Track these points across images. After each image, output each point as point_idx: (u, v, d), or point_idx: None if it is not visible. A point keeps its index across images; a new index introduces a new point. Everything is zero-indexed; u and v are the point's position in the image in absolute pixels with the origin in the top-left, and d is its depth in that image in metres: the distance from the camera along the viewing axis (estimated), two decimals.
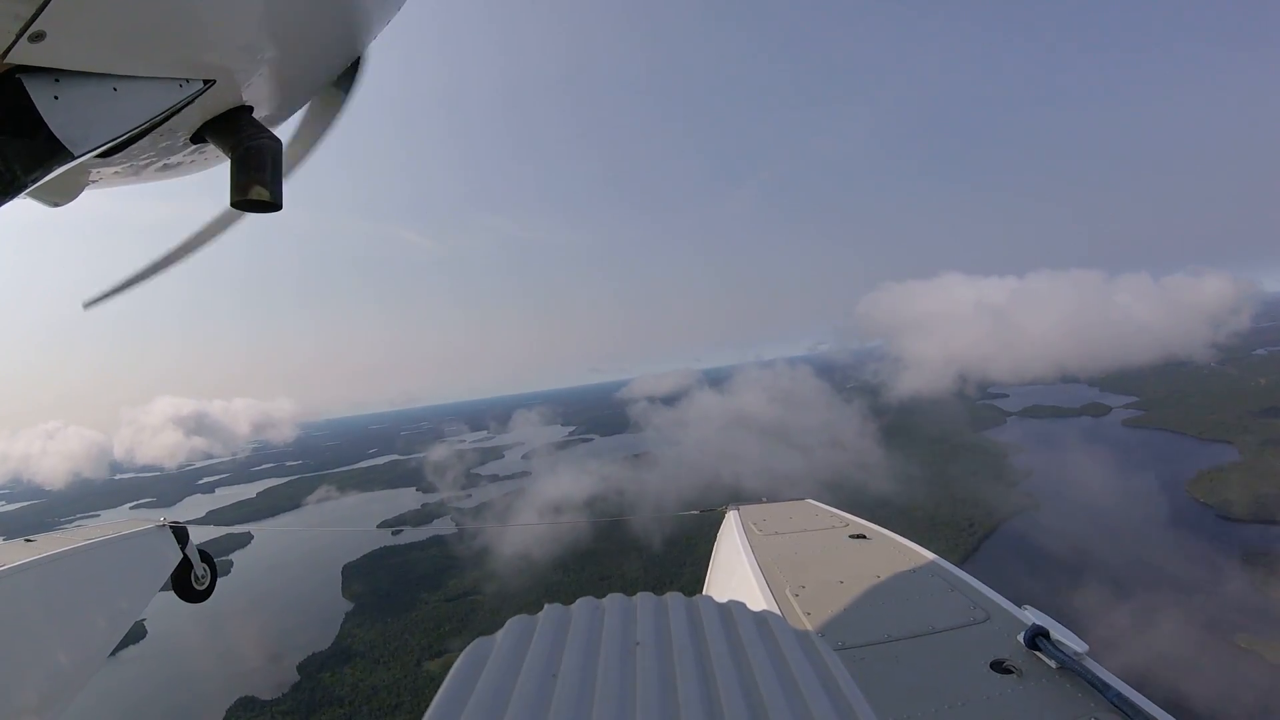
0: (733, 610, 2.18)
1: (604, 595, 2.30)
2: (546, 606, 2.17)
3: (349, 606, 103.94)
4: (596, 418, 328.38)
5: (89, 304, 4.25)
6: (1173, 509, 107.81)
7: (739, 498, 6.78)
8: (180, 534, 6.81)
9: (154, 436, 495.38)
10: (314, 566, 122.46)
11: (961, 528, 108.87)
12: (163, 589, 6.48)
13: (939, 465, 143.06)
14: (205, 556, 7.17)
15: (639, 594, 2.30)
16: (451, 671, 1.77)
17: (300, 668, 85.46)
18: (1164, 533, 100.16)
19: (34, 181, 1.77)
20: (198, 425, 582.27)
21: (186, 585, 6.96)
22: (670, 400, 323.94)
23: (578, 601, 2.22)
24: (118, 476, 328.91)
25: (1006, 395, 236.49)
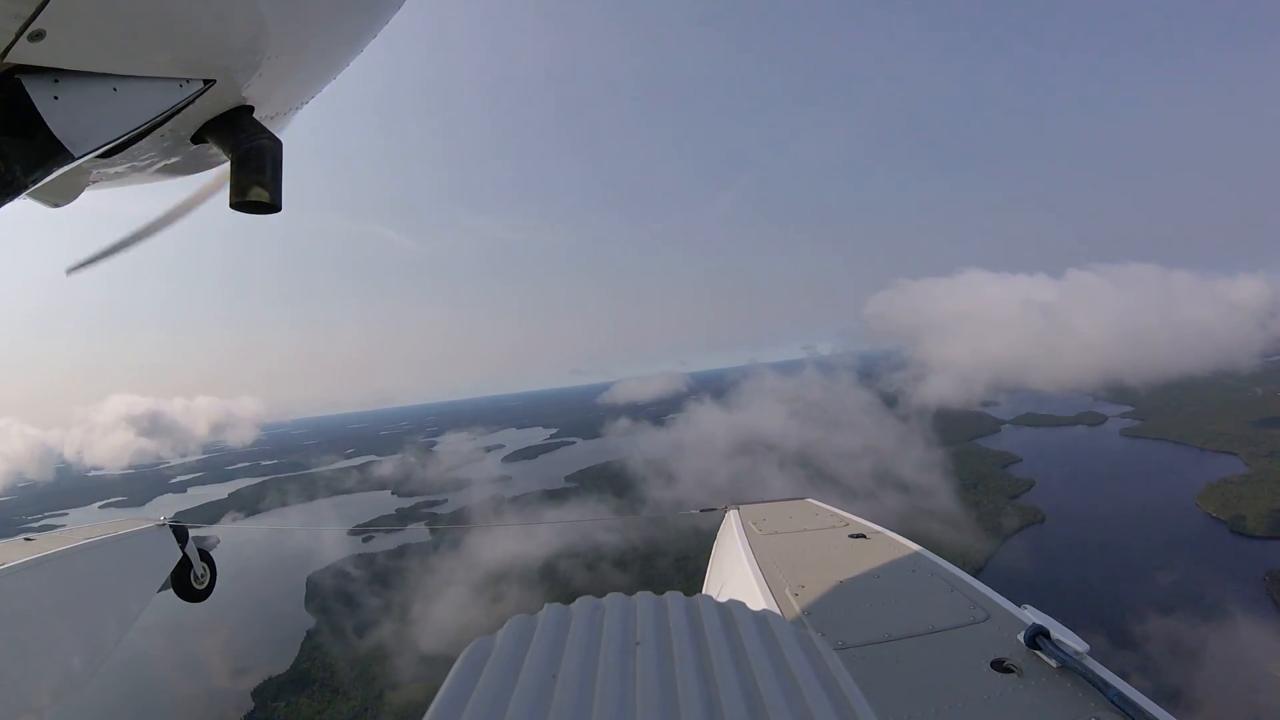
0: (732, 610, 2.19)
1: (603, 595, 2.30)
2: (546, 606, 2.18)
3: (310, 623, 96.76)
4: (579, 421, 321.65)
5: (71, 269, 4.16)
6: (1184, 524, 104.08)
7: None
8: (180, 533, 6.80)
9: (104, 437, 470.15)
10: (278, 575, 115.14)
11: (965, 543, 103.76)
12: (162, 589, 6.43)
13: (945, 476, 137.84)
14: (205, 556, 7.15)
15: (639, 593, 2.31)
16: (452, 672, 1.77)
17: (255, 693, 78.43)
18: (1178, 549, 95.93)
19: (34, 182, 1.77)
20: (152, 425, 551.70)
21: (186, 584, 6.96)
22: (659, 410, 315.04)
23: (577, 601, 2.24)
24: (91, 474, 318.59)
25: (998, 402, 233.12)
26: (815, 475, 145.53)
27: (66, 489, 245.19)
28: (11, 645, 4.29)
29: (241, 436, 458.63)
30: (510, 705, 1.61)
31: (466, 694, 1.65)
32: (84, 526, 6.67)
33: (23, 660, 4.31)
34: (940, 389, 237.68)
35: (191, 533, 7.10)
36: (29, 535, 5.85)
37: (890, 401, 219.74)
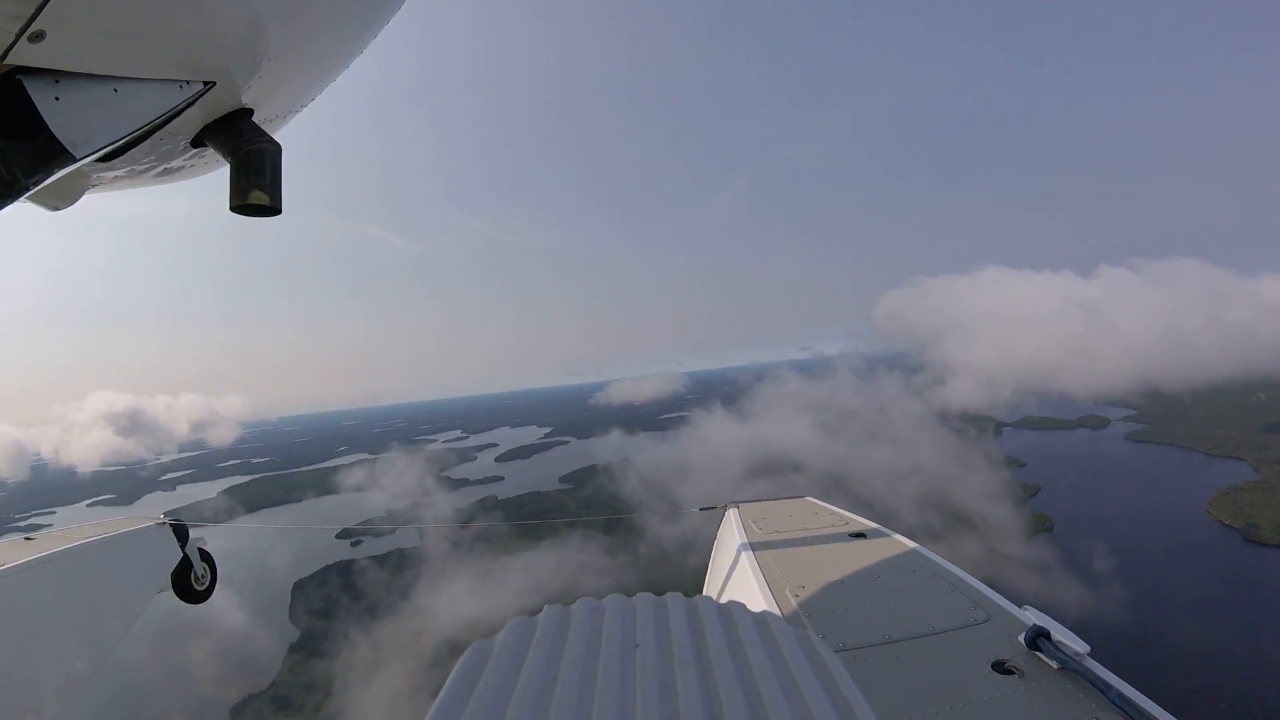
0: (732, 610, 2.22)
1: (603, 596, 2.33)
2: (546, 608, 2.20)
3: (295, 635, 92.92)
4: (573, 420, 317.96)
5: None
6: (1197, 531, 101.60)
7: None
8: (180, 532, 6.73)
9: (81, 435, 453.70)
10: (263, 581, 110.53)
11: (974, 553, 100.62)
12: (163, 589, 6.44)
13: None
14: (205, 556, 7.04)
15: (638, 594, 2.34)
16: (452, 673, 1.79)
17: (234, 710, 74.90)
18: (1193, 558, 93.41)
19: (35, 184, 1.78)
20: (131, 424, 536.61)
21: (186, 585, 6.87)
22: (655, 410, 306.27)
23: (577, 602, 2.26)
24: (76, 472, 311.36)
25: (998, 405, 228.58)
26: (859, 504, 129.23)
27: (45, 488, 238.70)
28: (14, 645, 4.26)
29: (222, 436, 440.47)
30: (510, 707, 1.62)
31: (467, 696, 1.66)
32: (84, 525, 6.44)
33: (26, 660, 4.26)
34: (962, 392, 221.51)
35: (191, 532, 6.84)
36: (29, 535, 5.76)
37: (915, 407, 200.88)
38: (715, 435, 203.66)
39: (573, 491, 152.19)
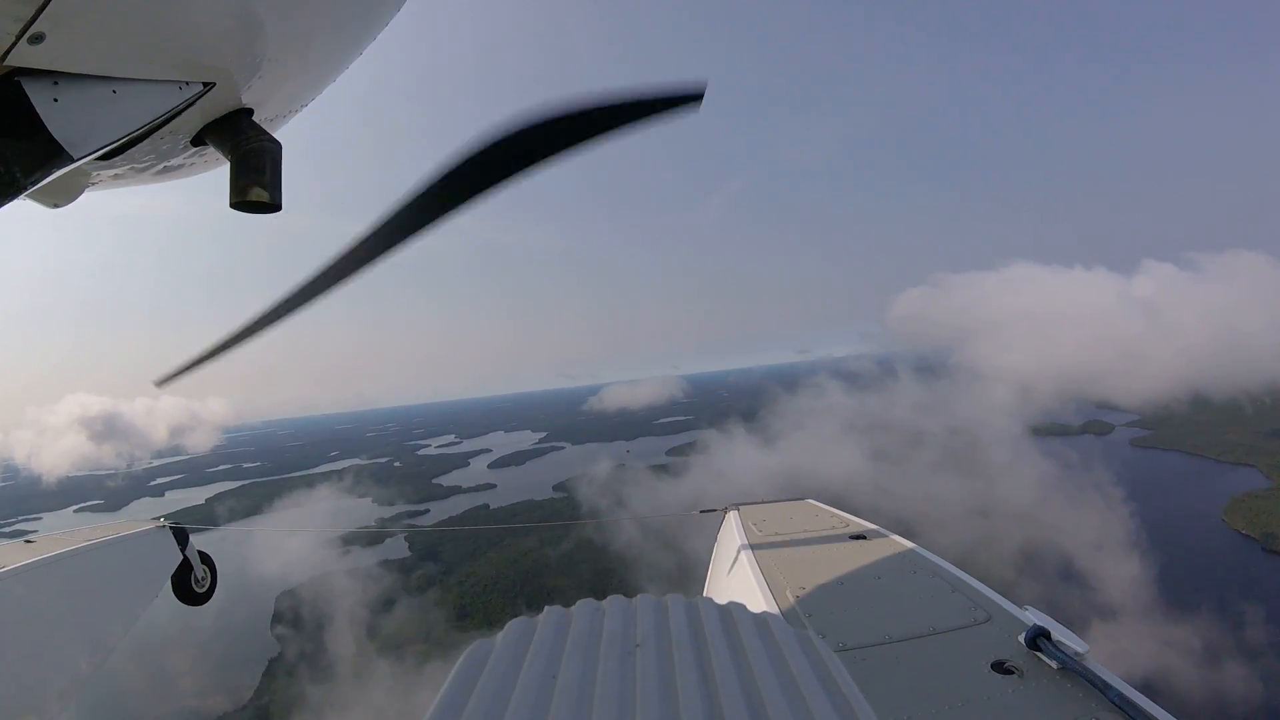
0: (733, 611, 2.22)
1: (603, 597, 2.33)
2: (546, 609, 2.22)
3: (275, 650, 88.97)
4: (568, 424, 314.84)
5: (160, 382, 4.33)
6: (1213, 540, 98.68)
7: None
8: (180, 535, 6.80)
9: (54, 440, 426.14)
10: (246, 591, 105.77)
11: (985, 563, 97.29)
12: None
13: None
14: (205, 558, 7.12)
15: (639, 595, 2.35)
16: (451, 674, 1.80)
17: None
18: (1212, 569, 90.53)
19: (34, 184, 1.79)
20: (106, 428, 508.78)
21: (186, 587, 6.94)
22: (652, 415, 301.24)
23: (577, 603, 2.27)
24: (43, 479, 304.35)
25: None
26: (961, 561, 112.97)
27: (19, 494, 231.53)
28: (17, 647, 4.32)
29: (201, 442, 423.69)
30: (510, 707, 1.62)
31: (466, 696, 1.67)
32: (84, 529, 6.55)
33: (28, 661, 4.33)
34: (994, 398, 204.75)
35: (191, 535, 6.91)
36: (28, 538, 5.80)
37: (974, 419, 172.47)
38: (730, 464, 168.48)
39: (567, 500, 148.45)
